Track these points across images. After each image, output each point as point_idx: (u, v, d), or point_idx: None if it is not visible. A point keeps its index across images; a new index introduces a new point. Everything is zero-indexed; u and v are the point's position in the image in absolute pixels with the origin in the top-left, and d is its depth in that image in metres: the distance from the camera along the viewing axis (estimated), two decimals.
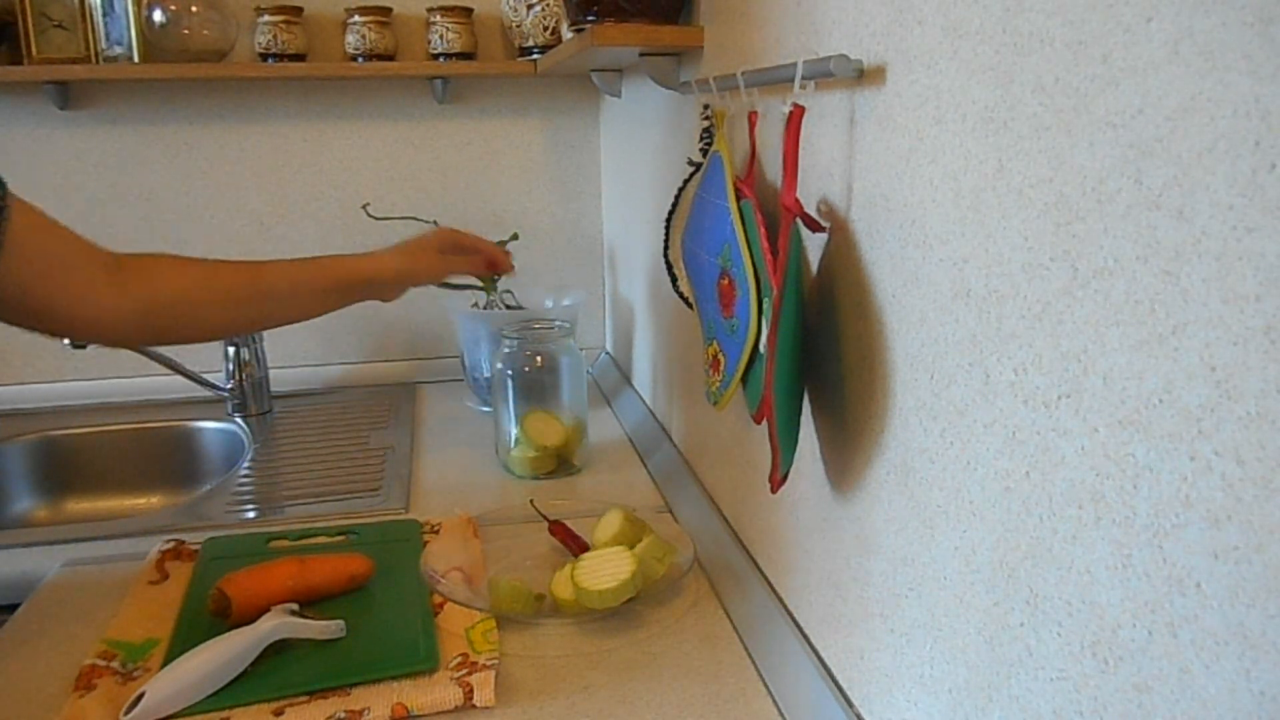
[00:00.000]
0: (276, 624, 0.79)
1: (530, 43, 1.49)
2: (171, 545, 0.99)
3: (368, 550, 0.95)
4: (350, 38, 1.49)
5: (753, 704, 0.75)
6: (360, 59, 1.49)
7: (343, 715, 0.72)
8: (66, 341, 1.35)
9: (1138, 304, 0.37)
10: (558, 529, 1.00)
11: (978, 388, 0.48)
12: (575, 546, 0.97)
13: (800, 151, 0.63)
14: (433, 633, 0.83)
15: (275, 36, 1.46)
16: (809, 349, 0.70)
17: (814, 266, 0.69)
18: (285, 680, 0.76)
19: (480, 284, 1.22)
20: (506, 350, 1.22)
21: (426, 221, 1.52)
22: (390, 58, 1.50)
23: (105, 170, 1.52)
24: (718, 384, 0.76)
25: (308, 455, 1.31)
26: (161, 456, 1.47)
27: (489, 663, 0.78)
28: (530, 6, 1.46)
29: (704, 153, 0.84)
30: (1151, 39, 0.35)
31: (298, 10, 1.48)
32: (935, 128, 0.51)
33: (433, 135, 1.61)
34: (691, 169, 0.91)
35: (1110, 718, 0.40)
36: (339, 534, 1.03)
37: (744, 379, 0.71)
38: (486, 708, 0.74)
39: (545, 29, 1.46)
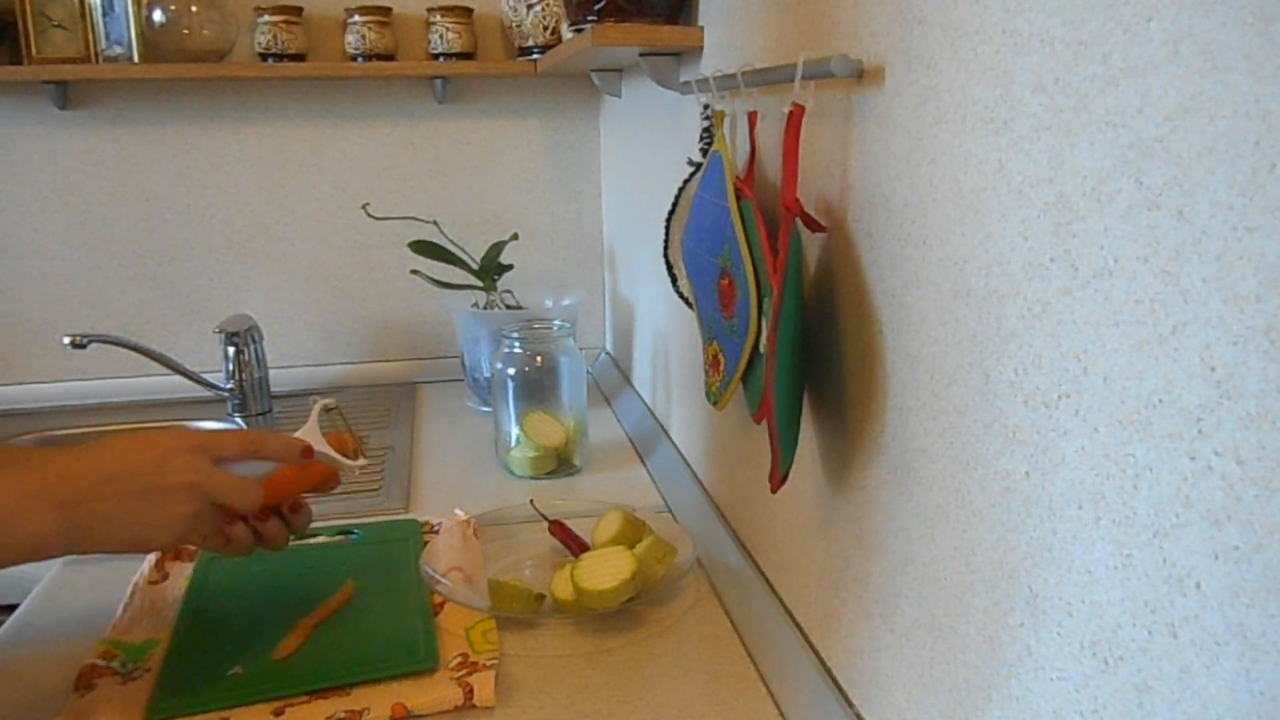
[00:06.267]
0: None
1: (530, 43, 1.49)
2: None
3: (368, 550, 0.95)
4: (350, 38, 1.49)
5: (753, 704, 0.75)
6: (360, 59, 1.49)
7: (343, 715, 0.72)
8: (67, 340, 1.35)
9: (1138, 304, 0.37)
10: (558, 529, 1.00)
11: (977, 388, 0.48)
12: (575, 546, 0.97)
13: (800, 151, 0.63)
14: (433, 633, 0.83)
15: (275, 36, 1.46)
16: (809, 349, 0.70)
17: (814, 266, 0.69)
18: (285, 680, 0.76)
19: (480, 282, 1.22)
20: (506, 350, 1.22)
21: (427, 221, 1.52)
22: (390, 58, 1.50)
23: (105, 170, 1.52)
24: (718, 384, 0.76)
25: None
26: None
27: (489, 663, 0.78)
28: (530, 6, 1.46)
29: (704, 153, 0.84)
30: (1151, 39, 0.35)
31: (298, 10, 1.48)
32: (935, 128, 0.51)
33: (433, 135, 1.61)
34: (691, 169, 0.91)
35: (1110, 718, 0.40)
36: (339, 533, 1.03)
37: (744, 379, 0.71)
38: (486, 708, 0.74)
39: (545, 29, 1.46)
